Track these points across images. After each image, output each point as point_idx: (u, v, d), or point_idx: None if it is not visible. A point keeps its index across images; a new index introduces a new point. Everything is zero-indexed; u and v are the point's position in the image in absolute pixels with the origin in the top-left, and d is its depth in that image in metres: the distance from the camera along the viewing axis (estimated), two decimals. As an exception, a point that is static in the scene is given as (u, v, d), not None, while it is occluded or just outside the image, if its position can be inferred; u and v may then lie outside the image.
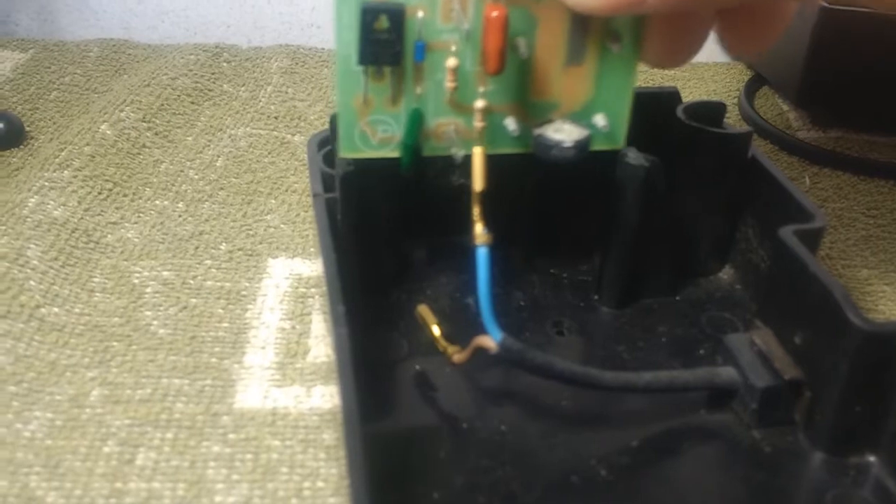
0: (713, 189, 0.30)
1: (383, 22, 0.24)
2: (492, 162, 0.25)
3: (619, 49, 0.25)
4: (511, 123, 0.26)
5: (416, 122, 0.25)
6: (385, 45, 0.24)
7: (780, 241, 0.25)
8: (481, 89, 0.25)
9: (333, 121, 0.28)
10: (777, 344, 0.25)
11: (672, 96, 0.31)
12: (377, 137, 0.25)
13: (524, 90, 0.26)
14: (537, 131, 0.26)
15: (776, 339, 0.25)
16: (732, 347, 0.25)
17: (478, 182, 0.24)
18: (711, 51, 0.53)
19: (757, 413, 0.24)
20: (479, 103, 0.25)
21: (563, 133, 0.25)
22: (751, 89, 0.47)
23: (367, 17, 0.23)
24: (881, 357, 0.22)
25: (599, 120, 0.26)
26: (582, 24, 0.25)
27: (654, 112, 0.29)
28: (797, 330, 0.24)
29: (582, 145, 0.25)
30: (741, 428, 0.25)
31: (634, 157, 0.27)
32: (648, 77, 0.47)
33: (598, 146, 0.26)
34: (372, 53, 0.24)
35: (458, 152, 0.25)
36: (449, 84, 0.25)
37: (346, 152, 0.26)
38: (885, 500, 0.23)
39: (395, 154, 0.26)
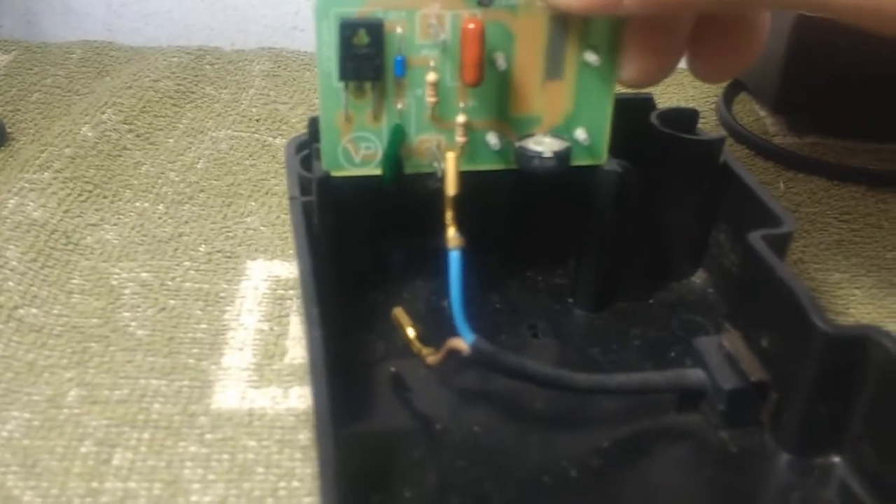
0: (686, 194, 0.30)
1: (363, 37, 0.24)
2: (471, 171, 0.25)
3: (597, 62, 0.26)
4: (493, 139, 0.26)
5: (398, 135, 0.26)
6: (365, 60, 0.24)
7: (749, 245, 0.25)
8: (462, 104, 0.26)
9: (312, 124, 0.28)
10: (745, 346, 0.25)
11: (646, 103, 0.31)
12: (360, 154, 0.26)
13: (505, 105, 0.26)
14: (518, 144, 0.26)
15: (744, 342, 0.26)
16: (701, 350, 0.26)
17: (451, 187, 0.24)
18: (691, 57, 0.53)
19: (725, 414, 0.25)
20: (460, 118, 0.25)
21: (544, 145, 0.26)
22: (729, 95, 0.48)
23: (346, 32, 0.24)
24: (845, 360, 0.23)
25: (580, 134, 0.27)
26: (559, 38, 0.25)
27: (628, 118, 0.29)
28: (764, 333, 0.25)
29: (562, 156, 0.26)
30: (710, 429, 0.25)
31: (608, 162, 0.27)
32: (628, 82, 0.48)
33: (579, 161, 0.27)
34: (352, 69, 0.24)
35: (441, 166, 0.26)
36: (429, 99, 0.25)
37: (330, 170, 0.26)
38: (848, 501, 0.23)
39: (377, 171, 0.26)
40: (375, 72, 0.24)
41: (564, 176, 0.27)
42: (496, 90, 0.26)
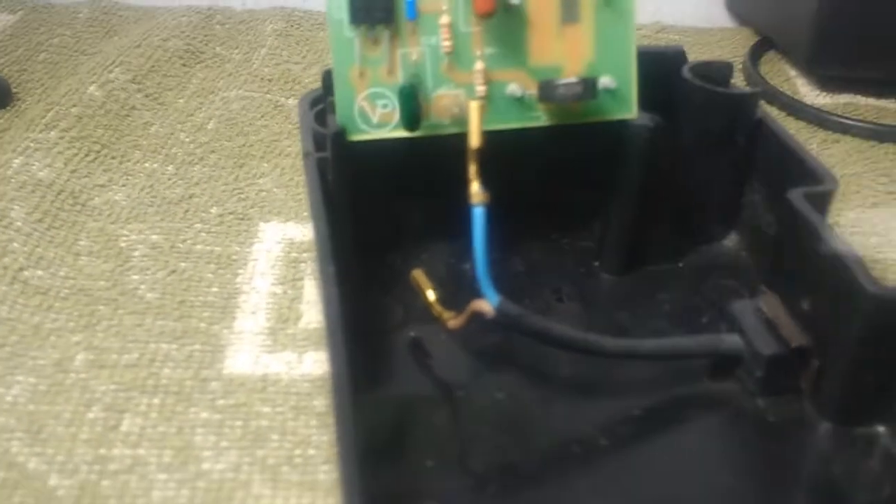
0: (719, 152, 0.29)
1: None
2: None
3: None
4: (515, 88, 0.25)
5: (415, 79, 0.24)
6: (376, 1, 0.23)
7: (790, 204, 0.24)
8: (478, 52, 0.24)
9: (327, 77, 0.27)
10: (784, 310, 0.24)
11: (678, 55, 0.29)
12: (377, 114, 0.25)
13: (523, 53, 0.25)
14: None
15: (783, 306, 0.24)
16: (737, 314, 0.25)
17: (474, 138, 0.23)
18: (716, 15, 0.52)
19: (762, 381, 0.24)
20: (478, 65, 0.24)
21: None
22: (756, 54, 0.46)
23: None
24: (893, 325, 0.21)
25: (606, 80, 0.25)
26: None
27: (659, 71, 0.28)
28: (805, 296, 0.23)
29: (589, 83, 0.24)
30: (746, 396, 0.24)
31: (638, 117, 0.26)
32: (652, 42, 0.46)
33: (608, 114, 0.26)
34: (363, 10, 0.24)
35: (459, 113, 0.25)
36: (445, 43, 0.24)
37: (348, 133, 0.25)
38: (892, 471, 0.22)
39: (397, 133, 0.25)
40: (386, 14, 0.24)
41: (589, 133, 0.25)
42: (513, 35, 0.24)
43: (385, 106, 0.25)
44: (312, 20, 0.48)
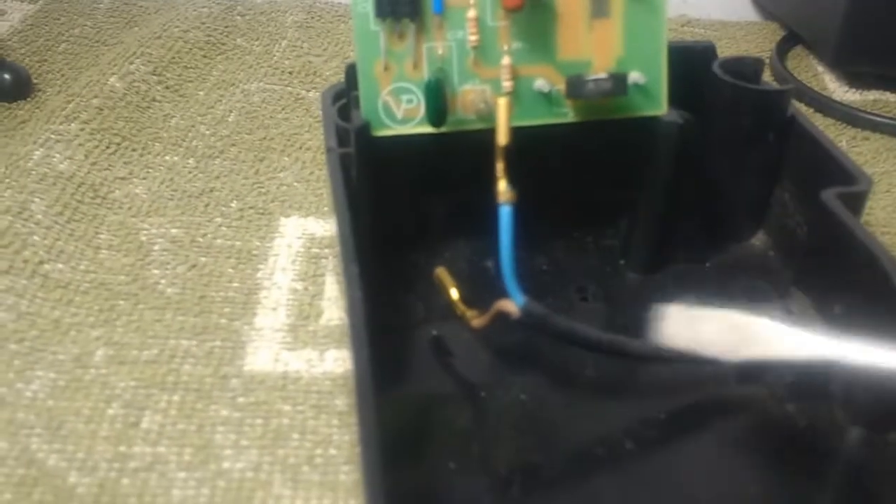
0: (749, 149, 0.28)
1: None
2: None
3: None
4: (543, 85, 0.24)
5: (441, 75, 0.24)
6: None
7: (822, 204, 0.23)
8: (505, 47, 0.24)
9: (350, 71, 0.26)
10: (815, 313, 0.24)
11: (707, 51, 0.29)
12: (402, 110, 0.24)
13: (551, 48, 0.24)
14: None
15: (814, 308, 0.24)
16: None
17: (502, 136, 0.23)
18: (743, 9, 0.51)
19: (793, 386, 0.23)
20: (505, 60, 0.24)
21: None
22: (783, 49, 0.45)
23: None
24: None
25: (636, 76, 0.25)
26: None
27: (687, 67, 0.27)
28: (837, 298, 0.23)
29: (619, 78, 0.24)
30: (774, 402, 0.24)
31: (668, 113, 0.25)
32: (678, 36, 0.46)
33: (638, 111, 0.25)
34: (389, 3, 0.23)
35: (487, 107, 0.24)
36: (471, 37, 0.24)
37: (372, 129, 0.25)
38: (926, 479, 0.22)
39: (422, 129, 0.25)
40: (413, 7, 0.23)
41: (616, 130, 0.25)
42: (541, 30, 0.24)
43: (410, 101, 0.24)
44: (333, 11, 0.48)
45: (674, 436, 0.23)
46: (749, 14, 0.51)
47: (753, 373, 0.24)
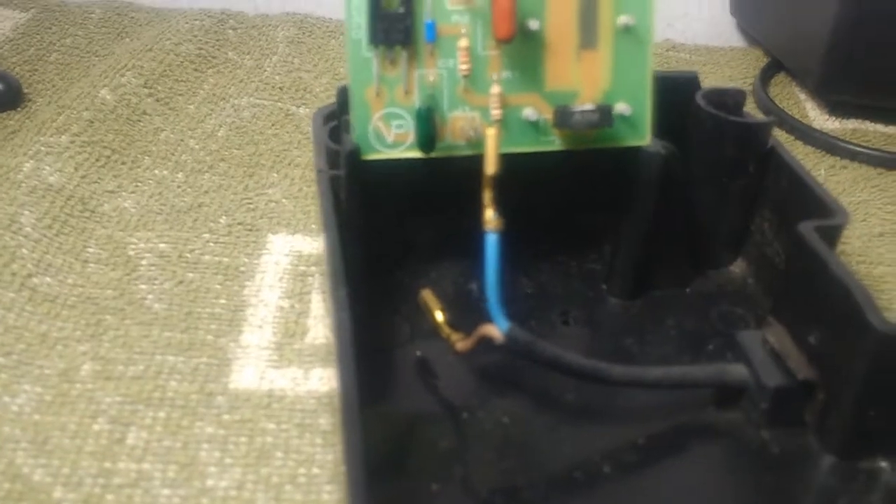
0: (730, 179, 0.29)
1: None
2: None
3: (632, 21, 0.24)
4: (531, 114, 0.25)
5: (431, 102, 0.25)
6: (395, 22, 0.24)
7: (800, 236, 0.24)
8: (495, 76, 0.24)
9: (341, 94, 0.27)
10: (791, 342, 0.24)
11: (690, 81, 0.29)
12: (392, 135, 0.25)
13: (540, 79, 0.25)
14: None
15: (790, 338, 0.24)
16: (745, 344, 0.25)
17: (490, 165, 0.23)
18: (727, 34, 0.52)
19: (768, 413, 0.24)
20: (495, 89, 0.24)
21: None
22: (766, 76, 0.46)
23: None
24: (900, 361, 0.22)
25: (621, 107, 0.25)
26: (591, 2, 0.24)
27: (671, 96, 0.28)
28: (812, 329, 0.23)
29: (605, 110, 0.24)
30: (750, 427, 0.24)
31: (651, 144, 0.26)
32: (662, 61, 0.46)
33: (622, 141, 0.26)
34: (383, 31, 0.24)
35: (475, 136, 0.25)
36: (462, 66, 0.24)
37: (362, 153, 0.25)
38: (896, 507, 0.22)
39: (411, 153, 0.25)
40: (405, 35, 0.24)
41: (601, 159, 0.25)
42: (530, 60, 0.25)
43: (400, 126, 0.25)
44: (324, 27, 0.48)
45: (652, 460, 0.23)
46: (734, 39, 0.52)
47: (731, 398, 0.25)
